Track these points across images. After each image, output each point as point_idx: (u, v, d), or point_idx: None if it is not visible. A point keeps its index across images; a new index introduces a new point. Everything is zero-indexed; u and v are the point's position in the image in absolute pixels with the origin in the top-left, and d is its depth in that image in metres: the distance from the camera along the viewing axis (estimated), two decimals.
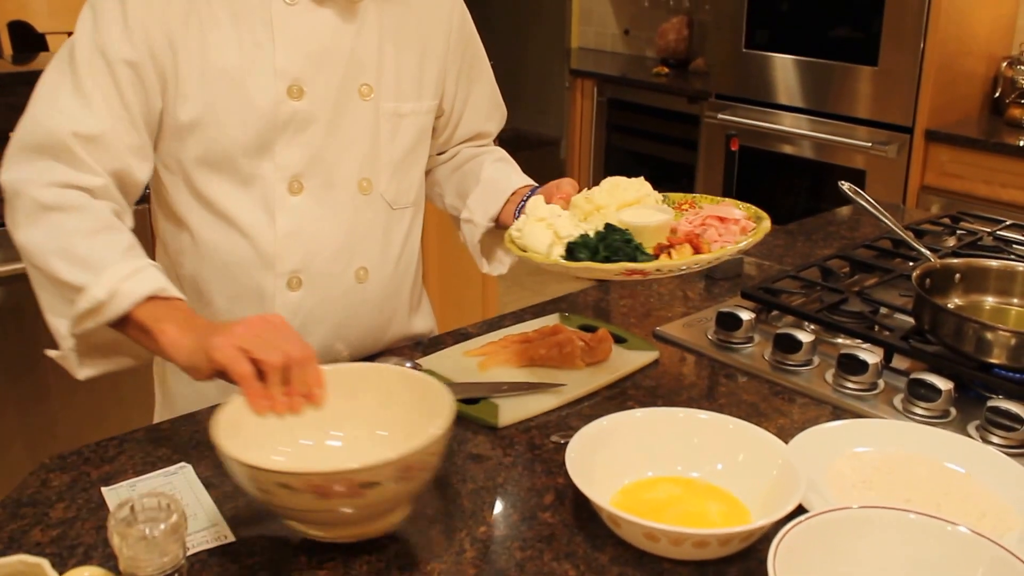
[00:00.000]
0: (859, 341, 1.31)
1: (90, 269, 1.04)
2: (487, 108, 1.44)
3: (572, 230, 1.10)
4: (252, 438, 0.93)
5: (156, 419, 1.36)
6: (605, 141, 4.45)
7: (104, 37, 1.11)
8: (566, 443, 0.99)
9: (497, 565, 0.90)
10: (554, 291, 1.60)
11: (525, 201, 1.30)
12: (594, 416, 1.05)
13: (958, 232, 1.77)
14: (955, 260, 1.40)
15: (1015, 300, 1.38)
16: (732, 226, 1.13)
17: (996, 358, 1.18)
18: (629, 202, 1.15)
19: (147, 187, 1.20)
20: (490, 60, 1.45)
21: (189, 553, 0.90)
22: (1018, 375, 1.17)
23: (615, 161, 4.46)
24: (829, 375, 1.25)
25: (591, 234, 1.09)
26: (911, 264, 1.55)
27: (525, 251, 1.10)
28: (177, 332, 1.01)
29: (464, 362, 1.29)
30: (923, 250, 1.51)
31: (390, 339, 1.38)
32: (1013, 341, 1.16)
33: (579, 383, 1.22)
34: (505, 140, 1.56)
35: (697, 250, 1.08)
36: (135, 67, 1.12)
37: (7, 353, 2.18)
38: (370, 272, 1.30)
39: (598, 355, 1.28)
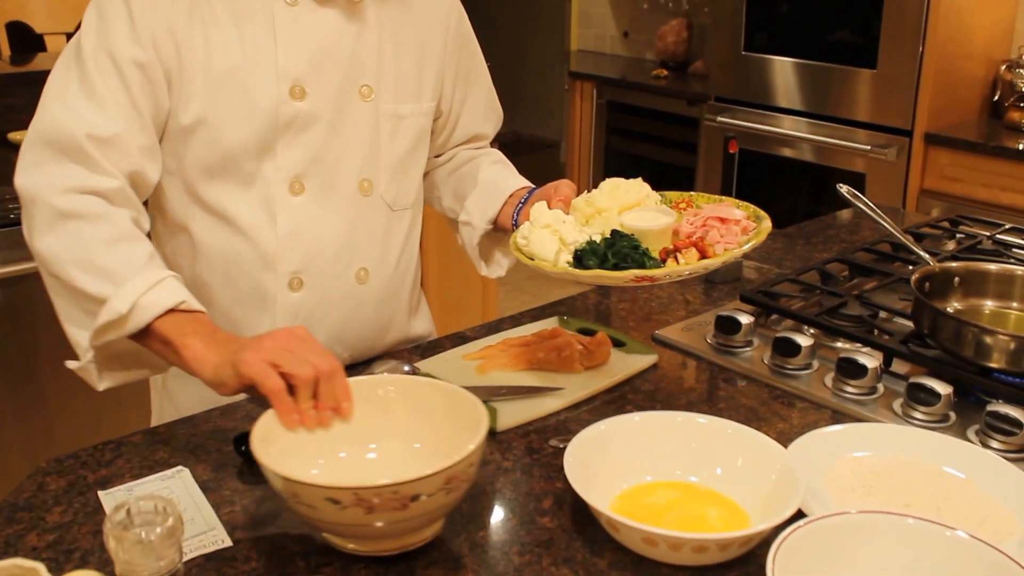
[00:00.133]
0: (858, 345, 1.31)
1: (110, 280, 1.04)
2: (484, 110, 1.44)
3: (578, 236, 1.10)
4: (288, 451, 0.92)
5: (154, 421, 1.36)
6: (605, 144, 4.46)
7: (111, 38, 1.10)
8: (565, 447, 0.98)
9: (495, 570, 0.89)
10: (555, 296, 1.60)
11: (523, 203, 1.30)
12: (593, 420, 1.04)
13: (957, 236, 1.77)
14: (954, 264, 1.40)
15: (1014, 304, 1.37)
16: (733, 226, 1.13)
17: (995, 362, 1.17)
18: (630, 204, 1.15)
19: None
20: (490, 63, 1.44)
21: (186, 558, 0.90)
22: (1018, 379, 1.17)
23: (615, 164, 4.46)
24: (828, 379, 1.25)
25: (597, 239, 1.09)
26: (910, 268, 1.55)
27: (532, 259, 1.10)
28: (202, 346, 1.01)
29: (462, 365, 1.28)
30: (922, 254, 1.51)
31: (390, 342, 1.38)
32: (1012, 345, 1.16)
33: (578, 387, 1.22)
34: (505, 143, 1.56)
35: (703, 254, 1.08)
36: (144, 68, 1.11)
37: (4, 357, 2.18)
38: (370, 273, 1.29)
39: (597, 359, 1.27)
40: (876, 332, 1.33)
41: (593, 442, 1.01)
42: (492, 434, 1.13)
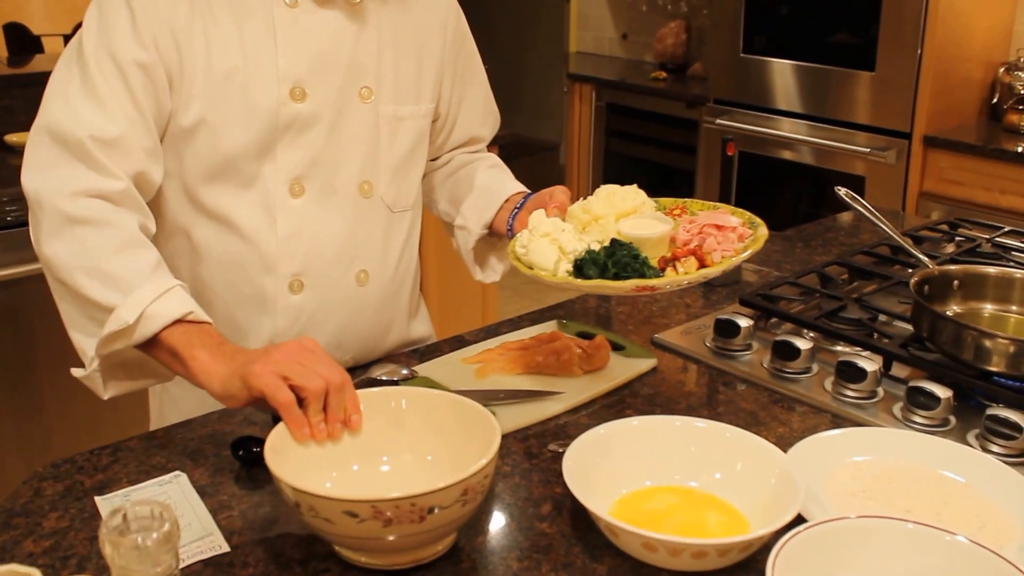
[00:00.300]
0: (858, 348, 1.31)
1: (118, 288, 1.03)
2: (481, 112, 1.44)
3: (577, 245, 1.10)
4: (302, 465, 0.91)
5: (152, 425, 1.35)
6: (604, 146, 4.46)
7: (113, 39, 1.10)
8: (563, 452, 0.98)
9: (494, 575, 0.89)
10: (555, 301, 1.59)
11: (518, 208, 1.30)
12: (592, 424, 1.04)
13: (957, 239, 1.77)
14: (954, 267, 1.40)
15: (1014, 307, 1.37)
16: (730, 234, 1.13)
17: (995, 366, 1.17)
18: (627, 211, 1.15)
19: None
20: (489, 65, 1.44)
21: (183, 564, 0.89)
22: (1017, 383, 1.17)
23: (613, 166, 4.46)
24: (828, 383, 1.25)
25: (596, 248, 1.09)
26: (910, 271, 1.55)
27: (531, 268, 1.10)
28: (209, 359, 1.00)
29: (461, 369, 1.28)
30: (921, 257, 1.51)
31: (390, 344, 1.38)
32: (1012, 348, 1.16)
33: (577, 391, 1.22)
34: (504, 145, 1.56)
35: (702, 262, 1.08)
36: (145, 69, 1.11)
37: (2, 360, 2.17)
38: (371, 275, 1.29)
39: (596, 363, 1.27)
40: (876, 335, 1.33)
41: (592, 446, 1.00)
42: None
